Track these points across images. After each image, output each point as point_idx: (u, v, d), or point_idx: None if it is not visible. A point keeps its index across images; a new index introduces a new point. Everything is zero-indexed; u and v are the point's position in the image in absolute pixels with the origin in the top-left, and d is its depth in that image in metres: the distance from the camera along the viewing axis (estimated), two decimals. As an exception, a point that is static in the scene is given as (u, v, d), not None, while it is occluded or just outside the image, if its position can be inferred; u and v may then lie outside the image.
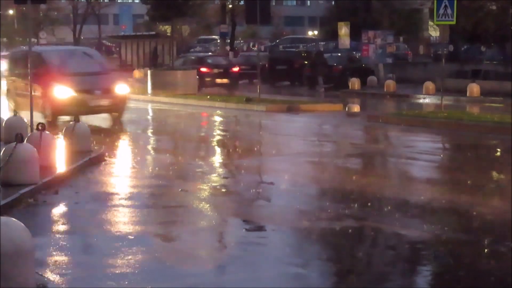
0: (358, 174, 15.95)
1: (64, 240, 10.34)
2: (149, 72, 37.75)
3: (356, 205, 12.53)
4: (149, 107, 32.41)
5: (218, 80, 39.37)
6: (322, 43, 59.99)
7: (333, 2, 77.23)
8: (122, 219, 11.78)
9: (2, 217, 7.42)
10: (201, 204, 12.89)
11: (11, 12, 73.27)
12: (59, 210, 12.33)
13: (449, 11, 27.27)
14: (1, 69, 28.54)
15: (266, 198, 13.56)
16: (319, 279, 8.89)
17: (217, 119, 27.45)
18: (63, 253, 9.60)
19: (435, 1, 26.83)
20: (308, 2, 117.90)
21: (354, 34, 46.79)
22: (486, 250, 9.93)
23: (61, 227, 11.21)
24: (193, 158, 17.87)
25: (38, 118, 20.99)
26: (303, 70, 42.49)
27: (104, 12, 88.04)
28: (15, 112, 18.60)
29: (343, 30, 47.08)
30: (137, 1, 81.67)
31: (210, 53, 53.41)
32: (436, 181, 15.49)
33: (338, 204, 12.77)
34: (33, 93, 18.45)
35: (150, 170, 16.44)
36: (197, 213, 12.19)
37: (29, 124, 17.40)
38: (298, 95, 35.26)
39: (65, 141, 16.90)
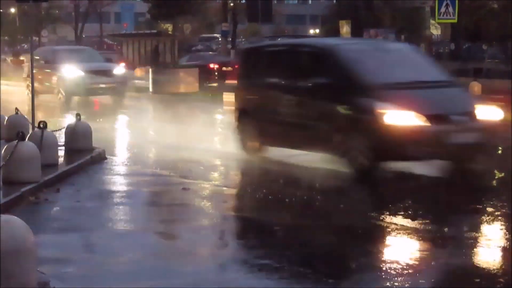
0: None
1: (66, 238, 10.34)
2: (150, 70, 37.70)
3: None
4: (150, 105, 32.38)
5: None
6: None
7: (334, 1, 77.21)
8: (123, 217, 11.80)
9: (3, 215, 7.42)
10: (203, 203, 12.86)
11: (12, 10, 73.21)
12: (60, 208, 12.32)
13: (450, 9, 27.30)
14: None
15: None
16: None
17: (219, 117, 27.30)
18: (65, 251, 9.59)
19: (437, 0, 26.84)
20: (310, 0, 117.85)
21: (356, 33, 46.78)
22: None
23: (62, 225, 11.20)
24: (196, 159, 17.87)
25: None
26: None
27: (106, 10, 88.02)
28: (16, 110, 18.55)
29: (345, 28, 47.10)
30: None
31: (211, 52, 53.52)
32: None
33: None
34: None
35: (152, 168, 16.43)
36: (199, 211, 12.18)
37: (31, 122, 17.38)
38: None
39: (66, 139, 16.91)
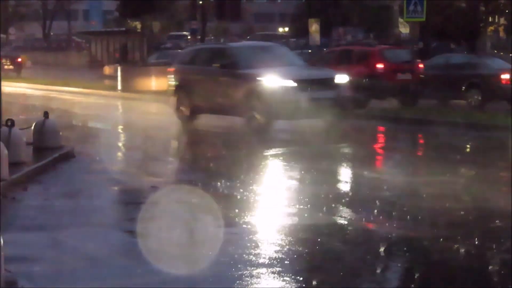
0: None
1: (33, 237, 10.29)
2: (119, 68, 37.54)
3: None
4: (119, 103, 32.29)
5: None
6: (292, 39, 60.00)
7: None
8: (91, 216, 11.73)
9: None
10: (170, 201, 12.83)
11: (-21, 8, 72.68)
12: (28, 206, 12.24)
13: (418, 8, 27.50)
14: None
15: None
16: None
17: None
18: (32, 250, 9.54)
19: (405, -2, 27.01)
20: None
21: (324, 31, 46.85)
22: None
23: (30, 223, 11.13)
24: (163, 155, 17.82)
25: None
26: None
27: (74, 8, 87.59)
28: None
29: (314, 26, 47.16)
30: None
31: (179, 50, 53.30)
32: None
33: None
34: None
35: (119, 166, 16.39)
36: (167, 209, 12.14)
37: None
38: None
39: (34, 137, 16.79)
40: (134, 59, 45.61)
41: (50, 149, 16.44)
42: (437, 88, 27.82)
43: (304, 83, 21.14)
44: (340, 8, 55.23)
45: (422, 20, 29.36)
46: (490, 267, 9.03)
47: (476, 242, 10.01)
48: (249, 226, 11.00)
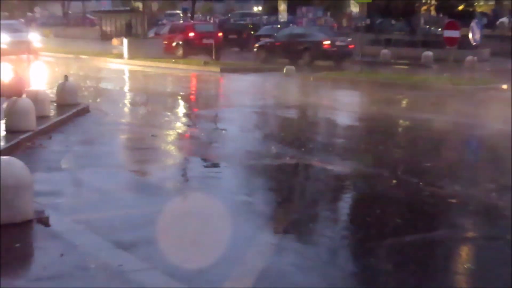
0: (294, 122, 16.01)
1: (57, 176, 10.27)
2: (125, 40, 37.27)
3: (292, 146, 12.60)
4: (126, 68, 32.07)
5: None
6: (265, 17, 59.63)
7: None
8: (104, 158, 11.73)
9: (4, 157, 7.37)
10: (168, 146, 12.87)
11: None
12: (52, 151, 12.20)
13: (366, -9, 27.44)
14: None
15: (220, 141, 13.57)
16: (262, 205, 8.95)
17: (182, 78, 27.24)
18: (56, 186, 9.53)
19: (356, -17, 26.93)
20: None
21: (291, 10, 46.64)
22: (392, 181, 10.04)
23: (54, 165, 11.09)
24: (162, 109, 17.77)
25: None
26: (250, 39, 42.32)
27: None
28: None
29: (282, 6, 46.96)
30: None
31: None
32: (355, 127, 15.62)
33: (277, 145, 12.81)
34: None
35: (126, 119, 16.35)
36: (165, 153, 12.18)
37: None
38: (246, 59, 35.00)
39: (56, 95, 16.74)
40: (136, 33, 45.31)
41: (70, 105, 16.37)
42: (284, 50, 31.75)
43: None
44: (304, -9, 54.81)
45: (369, 1, 29.35)
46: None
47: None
48: (226, 164, 11.05)
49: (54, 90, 17.10)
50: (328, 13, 55.02)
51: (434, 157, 11.74)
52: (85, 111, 16.62)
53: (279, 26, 44.78)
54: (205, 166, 11.28)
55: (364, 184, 9.92)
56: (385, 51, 34.83)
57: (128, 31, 48.13)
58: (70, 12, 76.99)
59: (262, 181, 10.34)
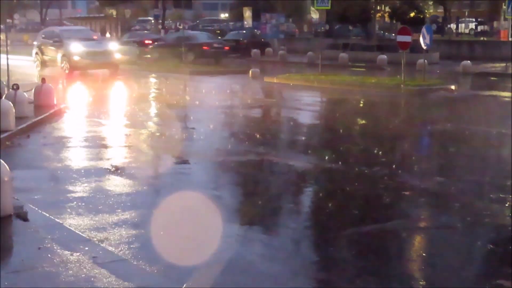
0: (259, 120, 15.98)
1: (35, 173, 10.14)
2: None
3: (257, 144, 12.58)
4: (99, 72, 31.75)
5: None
6: (231, 23, 59.59)
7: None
8: (80, 156, 11.60)
9: (-16, 155, 7.25)
10: (141, 144, 12.75)
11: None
12: (30, 150, 12.04)
13: (325, -1, 27.51)
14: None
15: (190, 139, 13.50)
16: (230, 199, 8.92)
17: (154, 80, 27.08)
18: (34, 183, 9.40)
19: (315, -9, 26.95)
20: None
21: (256, 16, 46.67)
22: (353, 174, 10.07)
23: (32, 163, 10.94)
24: (136, 109, 17.63)
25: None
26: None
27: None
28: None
29: (247, 13, 46.93)
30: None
31: (146, 31, 52.75)
32: (315, 125, 15.65)
33: (244, 143, 12.78)
34: None
35: (101, 117, 16.19)
36: (138, 151, 12.07)
37: (6, 85, 16.93)
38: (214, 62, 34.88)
39: (34, 97, 16.53)
40: (111, 38, 45.02)
41: (47, 106, 16.19)
42: (170, 51, 33.77)
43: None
44: (267, -1, 54.90)
45: (328, 8, 29.43)
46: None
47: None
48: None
49: (32, 92, 16.85)
50: (290, 20, 55.19)
51: (388, 152, 11.79)
52: (61, 111, 16.45)
53: (244, 31, 44.80)
54: (176, 163, 11.21)
55: (325, 178, 9.93)
56: (343, 55, 34.97)
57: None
58: (47, 19, 76.18)
59: (229, 176, 10.30)
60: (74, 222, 7.42)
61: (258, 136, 13.41)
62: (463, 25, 59.58)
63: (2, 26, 32.51)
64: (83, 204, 8.31)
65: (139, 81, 25.98)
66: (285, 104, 19.48)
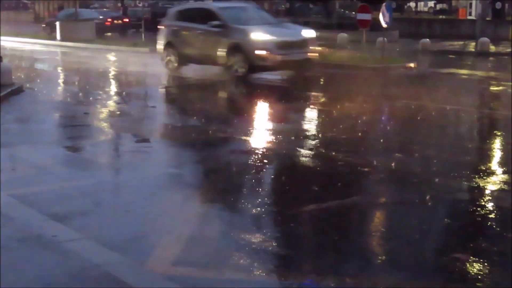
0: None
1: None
2: (58, 23, 36.40)
3: (222, 124, 12.56)
4: (58, 50, 31.36)
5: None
6: (191, 1, 59.14)
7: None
8: (39, 135, 11.47)
9: None
10: (100, 123, 12.65)
11: None
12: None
13: (285, -24, 27.39)
14: None
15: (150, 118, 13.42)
16: (190, 177, 8.91)
17: (112, 58, 26.83)
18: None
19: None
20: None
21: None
22: (313, 153, 10.12)
23: (-10, 142, 10.80)
24: (94, 88, 17.45)
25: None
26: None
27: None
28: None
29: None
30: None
31: (105, 9, 52.16)
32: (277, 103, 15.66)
33: (207, 122, 12.75)
34: None
35: (60, 97, 16.01)
36: (97, 130, 11.97)
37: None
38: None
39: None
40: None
41: (5, 85, 15.95)
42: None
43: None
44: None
45: (289, -14, 29.38)
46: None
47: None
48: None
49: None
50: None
51: (348, 131, 11.87)
52: (19, 90, 16.23)
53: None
54: (136, 142, 11.15)
55: (285, 156, 9.97)
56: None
57: (60, 14, 47.04)
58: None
59: (189, 155, 10.29)
60: (33, 201, 7.32)
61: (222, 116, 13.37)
62: (422, 3, 60.07)
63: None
64: (41, 181, 8.23)
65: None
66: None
